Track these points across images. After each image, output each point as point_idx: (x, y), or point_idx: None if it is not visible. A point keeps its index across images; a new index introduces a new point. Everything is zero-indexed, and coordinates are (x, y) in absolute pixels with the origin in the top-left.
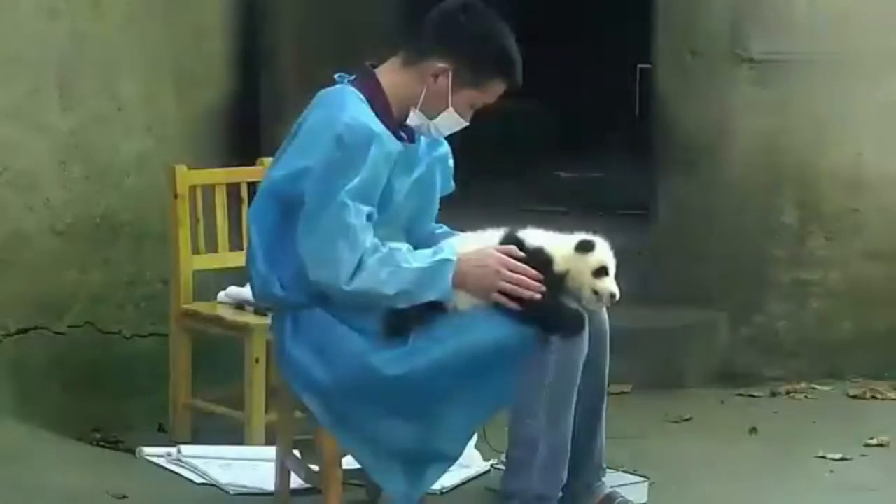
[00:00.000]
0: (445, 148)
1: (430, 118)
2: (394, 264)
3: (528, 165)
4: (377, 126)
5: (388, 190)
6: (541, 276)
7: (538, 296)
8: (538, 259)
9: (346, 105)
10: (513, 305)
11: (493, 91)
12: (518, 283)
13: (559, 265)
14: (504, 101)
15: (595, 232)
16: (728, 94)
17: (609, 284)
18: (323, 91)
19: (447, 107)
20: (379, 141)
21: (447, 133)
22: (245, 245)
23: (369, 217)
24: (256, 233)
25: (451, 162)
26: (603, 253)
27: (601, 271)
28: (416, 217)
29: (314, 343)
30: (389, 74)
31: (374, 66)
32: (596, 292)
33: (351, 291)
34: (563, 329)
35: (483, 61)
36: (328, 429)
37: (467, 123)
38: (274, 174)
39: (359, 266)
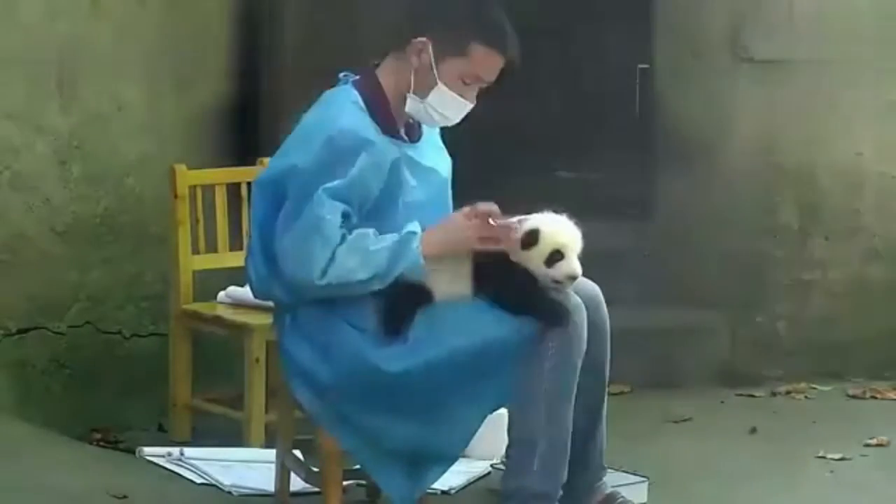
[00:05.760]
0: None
1: (424, 99)
2: (361, 250)
3: (528, 165)
4: (371, 134)
5: (386, 197)
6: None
7: (516, 237)
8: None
9: (343, 109)
10: (497, 247)
11: (481, 60)
12: (490, 234)
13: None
14: (505, 81)
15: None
16: (728, 94)
17: (563, 268)
18: (328, 91)
19: (436, 83)
20: (371, 149)
21: (449, 114)
22: (245, 244)
23: (345, 215)
24: (256, 232)
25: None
26: (548, 238)
27: (553, 257)
28: (429, 210)
29: (313, 340)
30: (385, 71)
31: (377, 66)
32: (557, 281)
33: (324, 286)
34: (550, 319)
35: (459, 25)
36: (326, 427)
37: (470, 103)
38: (266, 171)
39: (330, 260)
